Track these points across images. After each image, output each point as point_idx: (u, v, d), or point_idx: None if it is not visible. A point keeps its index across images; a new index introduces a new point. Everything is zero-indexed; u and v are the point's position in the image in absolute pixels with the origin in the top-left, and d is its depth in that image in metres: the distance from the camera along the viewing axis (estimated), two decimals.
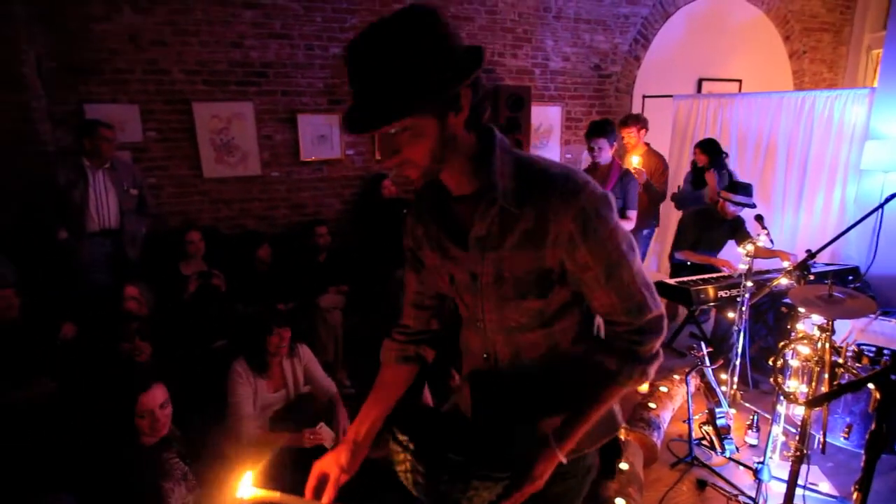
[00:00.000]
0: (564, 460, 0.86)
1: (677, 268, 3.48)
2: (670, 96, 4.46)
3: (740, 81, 5.24)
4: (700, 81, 5.15)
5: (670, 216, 4.30)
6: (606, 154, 2.89)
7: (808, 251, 1.95)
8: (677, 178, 4.37)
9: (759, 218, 2.73)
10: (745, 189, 3.15)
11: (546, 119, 4.51)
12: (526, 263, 0.85)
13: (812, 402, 1.58)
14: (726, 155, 3.65)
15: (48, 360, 2.07)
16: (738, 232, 3.28)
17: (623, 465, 2.02)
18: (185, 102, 3.49)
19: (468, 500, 0.80)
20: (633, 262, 0.84)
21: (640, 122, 3.60)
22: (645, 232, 3.70)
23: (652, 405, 2.51)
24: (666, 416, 2.55)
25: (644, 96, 4.62)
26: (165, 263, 3.09)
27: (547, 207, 0.81)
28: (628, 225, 2.87)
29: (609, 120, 2.97)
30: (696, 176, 3.71)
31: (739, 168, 4.04)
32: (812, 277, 2.01)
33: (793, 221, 3.85)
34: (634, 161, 3.38)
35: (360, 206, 4.02)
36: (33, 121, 3.08)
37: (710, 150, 3.68)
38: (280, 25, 3.59)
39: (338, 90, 3.84)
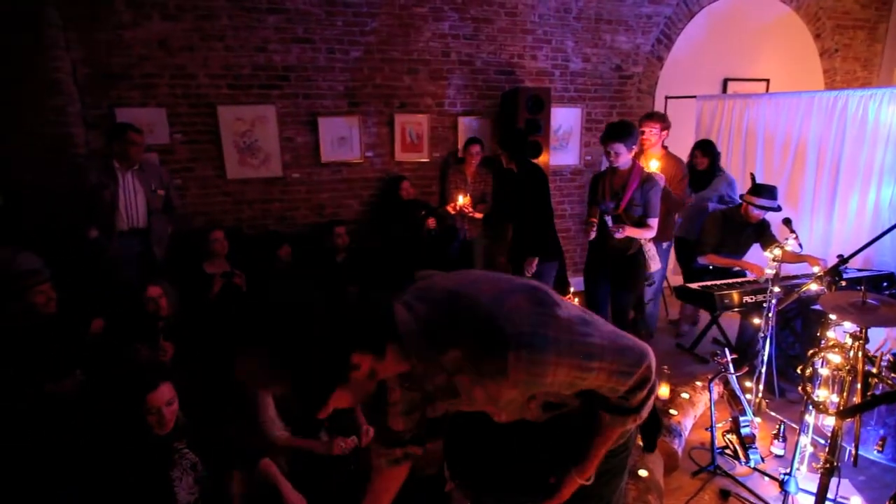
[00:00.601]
0: (587, 483, 1.00)
1: (700, 272, 3.40)
2: (694, 97, 4.36)
3: (768, 81, 5.09)
4: (725, 81, 5.03)
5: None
6: (625, 158, 2.70)
7: (840, 256, 1.88)
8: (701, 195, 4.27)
9: (787, 221, 2.65)
10: (770, 192, 3.06)
11: (566, 121, 4.47)
12: (513, 399, 0.91)
13: (844, 413, 1.52)
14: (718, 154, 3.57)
15: (80, 354, 2.14)
16: (763, 236, 3.18)
17: (642, 472, 1.98)
18: (210, 106, 3.58)
19: None
20: (592, 360, 0.85)
21: (663, 120, 3.34)
22: (665, 245, 3.43)
23: (673, 412, 2.46)
24: (687, 423, 2.49)
25: (667, 97, 4.53)
26: (190, 262, 3.18)
27: (484, 381, 0.85)
28: (648, 233, 2.76)
29: (627, 122, 2.81)
30: (696, 178, 3.59)
31: (766, 170, 3.93)
32: (844, 283, 1.93)
33: (824, 226, 3.71)
34: (653, 166, 3.08)
35: (379, 207, 4.06)
36: (68, 124, 3.21)
37: (711, 152, 3.58)
38: (302, 30, 3.66)
39: (358, 93, 3.89)
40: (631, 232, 2.71)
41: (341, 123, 3.89)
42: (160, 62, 3.43)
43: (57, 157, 3.16)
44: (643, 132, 3.18)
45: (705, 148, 3.63)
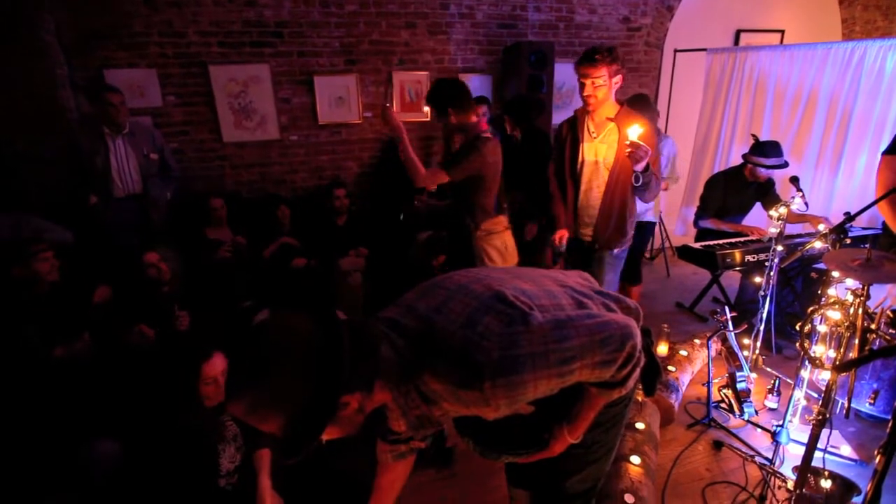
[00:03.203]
0: (576, 441, 1.07)
1: (703, 233, 3.38)
2: (704, 50, 4.18)
3: (782, 32, 4.87)
4: (738, 33, 4.81)
5: (701, 176, 4.16)
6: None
7: (847, 213, 1.85)
8: (707, 151, 4.17)
9: (794, 179, 2.60)
10: (775, 148, 2.98)
11: (570, 78, 4.30)
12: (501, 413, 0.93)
13: (841, 367, 1.55)
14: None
15: (86, 319, 2.18)
16: (766, 195, 3.14)
17: (639, 425, 2.05)
18: (201, 66, 3.46)
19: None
20: (571, 363, 0.86)
21: (615, 59, 2.05)
22: (616, 251, 2.36)
23: (671, 368, 2.52)
24: (685, 379, 2.55)
25: (675, 50, 4.34)
26: (192, 228, 3.17)
27: (469, 408, 0.88)
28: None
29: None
30: None
31: (773, 127, 3.82)
32: (849, 241, 1.92)
33: (828, 183, 3.64)
34: (632, 133, 1.94)
35: (379, 169, 4.00)
36: (56, 87, 3.11)
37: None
38: None
39: (355, 49, 3.74)
40: None
41: (338, 83, 3.77)
42: (147, 20, 3.28)
43: (49, 123, 3.08)
44: (582, 83, 2.09)
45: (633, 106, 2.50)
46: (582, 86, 2.10)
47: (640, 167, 2.01)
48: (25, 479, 1.63)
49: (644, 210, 3.06)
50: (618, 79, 2.09)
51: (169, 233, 3.12)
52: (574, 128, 2.26)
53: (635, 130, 1.93)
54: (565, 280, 1.07)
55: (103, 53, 3.26)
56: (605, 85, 2.05)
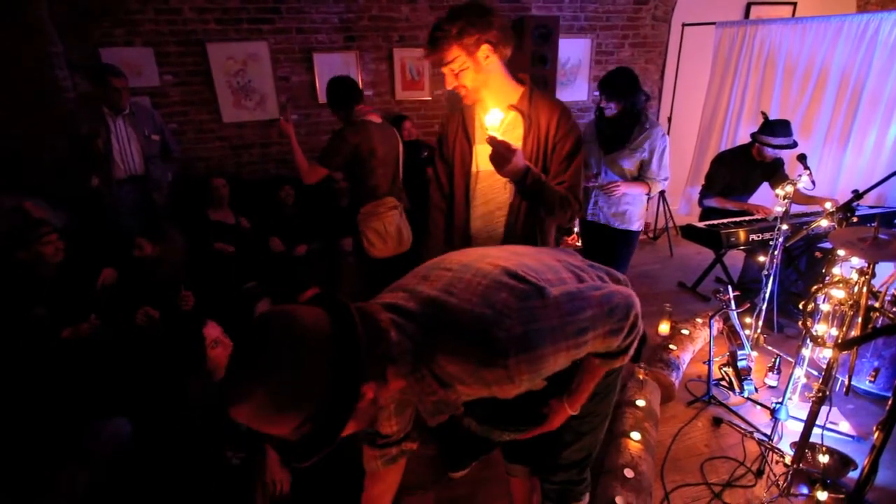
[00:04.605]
0: (575, 412, 1.09)
1: (707, 212, 3.35)
2: (713, 24, 4.07)
3: (794, 5, 4.71)
4: (748, 6, 4.66)
5: (707, 154, 4.10)
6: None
7: (855, 191, 1.83)
8: (713, 128, 4.09)
9: (801, 157, 2.56)
10: (784, 127, 2.93)
11: (574, 53, 4.22)
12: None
13: (843, 345, 1.55)
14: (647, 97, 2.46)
15: (92, 301, 2.20)
16: (775, 175, 3.10)
17: (640, 402, 2.08)
18: (198, 44, 3.39)
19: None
20: (585, 334, 0.86)
21: (471, 25, 1.38)
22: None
23: (672, 346, 2.53)
24: (686, 357, 2.58)
25: (683, 24, 4.22)
26: (194, 209, 3.17)
27: (491, 388, 0.84)
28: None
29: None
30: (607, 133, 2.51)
31: (781, 103, 3.74)
32: (855, 220, 1.90)
33: (835, 160, 3.59)
34: (490, 120, 1.34)
35: None
36: (52, 67, 3.06)
37: (626, 91, 2.48)
38: None
39: (354, 26, 3.66)
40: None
41: (337, 60, 3.70)
42: None
43: (46, 104, 3.05)
44: (444, 57, 1.45)
45: (614, 83, 2.29)
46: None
47: (511, 175, 1.34)
48: (36, 456, 1.68)
49: (629, 211, 2.48)
50: (486, 49, 1.35)
51: (171, 215, 3.12)
52: (465, 125, 1.52)
53: (494, 116, 1.31)
54: (560, 255, 1.07)
55: (98, 32, 3.19)
56: (467, 67, 1.38)
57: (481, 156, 1.48)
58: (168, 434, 1.68)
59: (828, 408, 1.83)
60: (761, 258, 2.68)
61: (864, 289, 1.59)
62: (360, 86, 3.79)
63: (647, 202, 2.59)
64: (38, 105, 3.00)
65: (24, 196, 2.56)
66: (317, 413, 0.68)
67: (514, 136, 1.45)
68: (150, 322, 2.20)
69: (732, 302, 2.42)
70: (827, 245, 2.85)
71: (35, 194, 2.64)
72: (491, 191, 1.51)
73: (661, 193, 4.43)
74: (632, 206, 2.48)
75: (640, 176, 2.46)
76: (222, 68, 3.49)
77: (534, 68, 3.64)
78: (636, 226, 2.51)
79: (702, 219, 3.34)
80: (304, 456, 0.70)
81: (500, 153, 1.28)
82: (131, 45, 3.28)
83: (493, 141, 1.29)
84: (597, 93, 2.48)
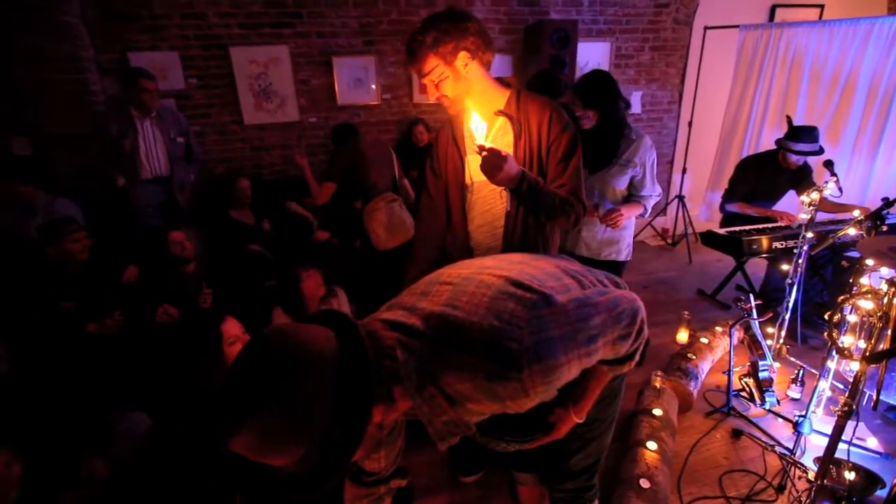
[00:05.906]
0: (580, 420, 1.08)
1: (729, 219, 3.28)
2: (736, 27, 3.99)
3: (822, 7, 4.60)
4: (773, 8, 4.57)
5: (728, 159, 4.02)
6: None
7: (885, 199, 1.77)
8: (735, 133, 4.01)
9: (828, 164, 2.49)
10: (810, 134, 2.84)
11: (593, 57, 4.18)
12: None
13: (871, 358, 1.50)
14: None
15: (116, 297, 2.26)
16: (802, 182, 3.01)
17: (657, 411, 2.04)
18: (222, 48, 3.48)
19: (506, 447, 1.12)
20: (595, 342, 0.84)
21: (445, 33, 1.30)
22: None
23: (691, 356, 2.48)
24: (704, 366, 2.52)
25: (706, 28, 4.16)
26: (216, 210, 3.23)
27: (505, 403, 0.82)
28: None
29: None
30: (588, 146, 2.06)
31: (808, 109, 3.65)
32: (885, 229, 1.84)
33: (866, 168, 3.49)
34: (475, 127, 1.26)
35: (398, 151, 3.98)
36: (82, 70, 3.17)
37: (604, 98, 2.19)
38: None
39: (373, 30, 3.70)
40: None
41: (357, 64, 3.74)
42: (168, 1, 3.30)
43: (76, 105, 3.15)
44: (424, 64, 1.35)
45: (587, 88, 2.02)
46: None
47: (505, 182, 1.28)
48: (61, 445, 1.73)
49: (623, 238, 2.21)
50: (464, 56, 1.31)
51: (194, 214, 3.19)
52: (454, 136, 1.48)
53: (477, 124, 1.24)
54: (558, 261, 1.04)
55: (126, 36, 3.30)
56: (447, 77, 1.33)
57: (473, 167, 1.43)
58: (183, 429, 1.71)
59: (854, 423, 1.77)
60: (784, 266, 2.61)
61: (895, 300, 1.53)
62: (377, 89, 3.84)
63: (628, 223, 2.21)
64: (69, 106, 3.11)
65: (56, 195, 2.66)
66: (321, 441, 0.64)
67: (505, 142, 1.40)
68: (170, 319, 2.25)
69: (754, 311, 2.36)
70: (854, 254, 2.76)
71: (65, 194, 2.73)
72: (487, 201, 1.46)
73: (682, 199, 4.36)
74: (626, 231, 2.19)
75: (632, 195, 2.16)
76: (245, 71, 3.57)
77: (557, 76, 3.62)
78: (624, 255, 2.22)
79: (723, 225, 3.27)
80: (311, 487, 0.66)
81: (491, 161, 1.22)
82: (157, 50, 3.38)
83: (482, 149, 1.24)
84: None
